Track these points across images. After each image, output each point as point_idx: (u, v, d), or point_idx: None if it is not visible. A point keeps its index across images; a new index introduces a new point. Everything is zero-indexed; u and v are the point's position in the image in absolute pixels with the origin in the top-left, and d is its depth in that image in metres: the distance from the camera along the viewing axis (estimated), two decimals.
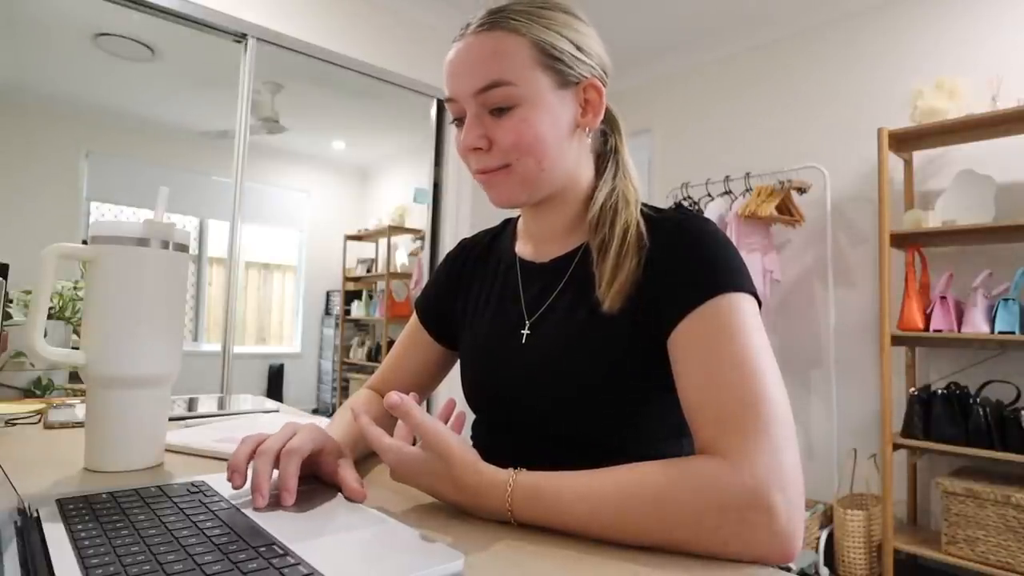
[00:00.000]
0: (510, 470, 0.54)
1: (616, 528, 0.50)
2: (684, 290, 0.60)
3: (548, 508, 0.51)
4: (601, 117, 0.70)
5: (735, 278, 0.59)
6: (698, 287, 0.59)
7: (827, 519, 2.45)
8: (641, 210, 0.68)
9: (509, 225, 0.85)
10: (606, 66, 0.70)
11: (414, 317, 0.87)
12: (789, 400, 0.55)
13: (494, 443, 0.75)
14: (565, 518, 0.51)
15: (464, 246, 0.88)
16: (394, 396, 0.54)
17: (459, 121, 0.69)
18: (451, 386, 0.86)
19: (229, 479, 0.55)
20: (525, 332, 0.71)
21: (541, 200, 0.70)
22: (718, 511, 0.48)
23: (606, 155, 0.74)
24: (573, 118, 0.67)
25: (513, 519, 0.53)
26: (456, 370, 0.85)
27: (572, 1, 0.69)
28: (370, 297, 4.82)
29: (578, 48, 0.66)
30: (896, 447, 2.23)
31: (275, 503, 0.53)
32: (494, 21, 0.64)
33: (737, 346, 0.55)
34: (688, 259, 0.61)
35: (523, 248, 0.78)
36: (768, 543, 0.47)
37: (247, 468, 0.55)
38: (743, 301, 0.58)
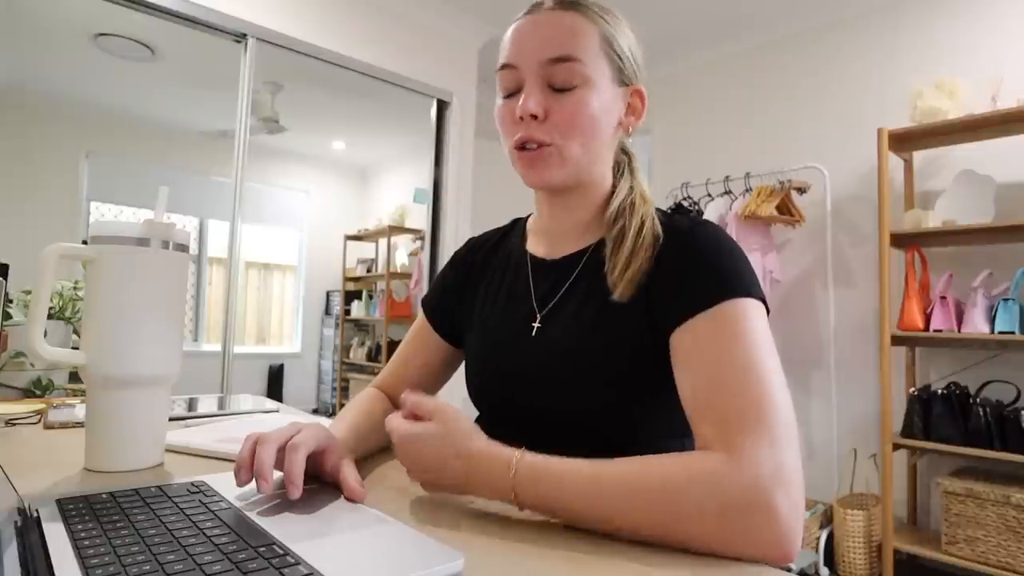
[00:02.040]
0: (515, 449, 0.54)
1: (619, 517, 0.50)
2: (692, 292, 0.60)
3: (553, 490, 0.52)
4: (640, 123, 0.73)
5: (744, 283, 0.60)
6: (708, 291, 0.60)
7: (827, 519, 2.45)
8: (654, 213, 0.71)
9: (519, 224, 0.85)
10: (645, 81, 0.74)
11: (421, 315, 0.87)
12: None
13: (496, 437, 0.75)
14: (568, 501, 0.51)
15: (472, 245, 0.88)
16: (404, 395, 0.61)
17: (508, 94, 0.69)
18: (456, 386, 0.86)
19: (239, 483, 0.55)
20: (536, 325, 0.72)
21: (566, 190, 0.72)
22: (720, 510, 0.48)
23: (622, 161, 0.77)
24: (619, 115, 0.71)
25: (516, 499, 0.53)
26: (459, 371, 0.85)
27: None
28: (370, 297, 4.81)
29: (633, 55, 0.71)
30: (896, 447, 2.23)
31: (279, 500, 0.53)
32: (571, 3, 0.68)
33: (742, 348, 0.55)
34: (699, 262, 0.62)
35: (535, 246, 0.79)
36: (768, 543, 0.47)
37: (252, 463, 0.55)
38: (751, 306, 0.59)
